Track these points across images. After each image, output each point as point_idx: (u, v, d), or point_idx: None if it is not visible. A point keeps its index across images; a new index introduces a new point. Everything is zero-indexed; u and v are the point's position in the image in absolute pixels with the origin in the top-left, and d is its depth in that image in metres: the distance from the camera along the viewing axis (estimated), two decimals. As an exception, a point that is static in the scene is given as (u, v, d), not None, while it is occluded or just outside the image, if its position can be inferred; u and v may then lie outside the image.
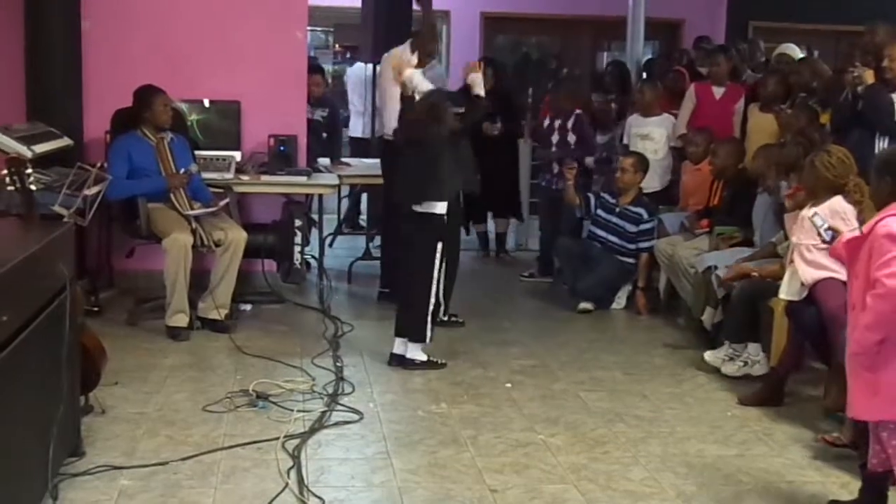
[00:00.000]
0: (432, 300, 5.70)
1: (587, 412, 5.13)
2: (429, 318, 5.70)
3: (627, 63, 9.93)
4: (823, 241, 4.48)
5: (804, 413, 5.08)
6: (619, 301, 7.43)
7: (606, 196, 7.49)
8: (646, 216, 7.33)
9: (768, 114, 7.29)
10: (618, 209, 7.39)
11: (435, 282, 5.70)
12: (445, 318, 6.41)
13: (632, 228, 7.33)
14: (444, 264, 5.83)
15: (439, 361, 5.74)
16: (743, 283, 5.80)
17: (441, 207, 5.68)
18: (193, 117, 7.17)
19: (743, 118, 7.75)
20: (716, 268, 6.18)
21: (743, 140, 7.41)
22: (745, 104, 7.80)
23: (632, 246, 7.33)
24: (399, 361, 5.74)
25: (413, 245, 5.80)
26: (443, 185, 5.72)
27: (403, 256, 6.03)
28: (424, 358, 5.71)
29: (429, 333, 5.71)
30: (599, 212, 7.47)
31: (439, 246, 5.69)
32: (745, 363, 5.72)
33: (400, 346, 5.77)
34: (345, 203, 9.52)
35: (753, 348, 5.72)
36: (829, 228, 4.34)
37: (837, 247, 4.09)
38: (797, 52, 8.82)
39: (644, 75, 9.83)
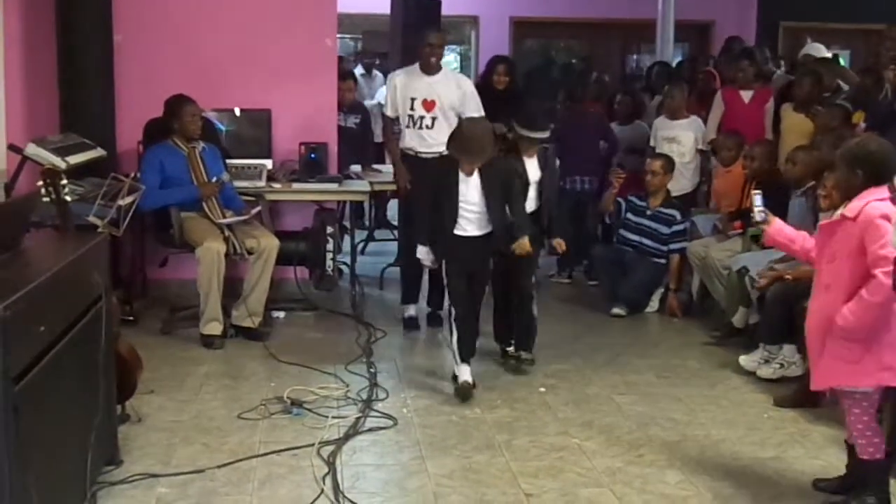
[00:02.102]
0: (449, 321, 5.56)
1: (622, 416, 5.12)
2: (452, 338, 5.46)
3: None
4: (753, 222, 4.46)
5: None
6: (652, 304, 7.40)
7: (635, 199, 7.47)
8: (679, 217, 7.32)
9: (802, 114, 7.24)
10: (649, 212, 7.37)
11: (446, 301, 5.65)
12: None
13: (665, 230, 7.31)
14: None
15: (461, 384, 5.38)
16: (777, 285, 5.77)
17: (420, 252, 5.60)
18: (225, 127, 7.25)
19: (775, 119, 7.71)
20: (747, 270, 6.15)
21: (776, 141, 7.37)
22: (776, 105, 7.75)
23: (665, 248, 7.32)
24: None
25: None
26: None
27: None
28: (463, 378, 5.40)
29: (456, 353, 5.43)
30: (629, 215, 7.45)
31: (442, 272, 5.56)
32: (781, 365, 5.69)
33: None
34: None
35: (789, 350, 5.69)
36: (763, 211, 4.35)
37: (772, 234, 4.28)
38: (822, 52, 8.77)
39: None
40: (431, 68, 6.66)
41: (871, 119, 6.33)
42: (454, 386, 5.42)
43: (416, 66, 6.72)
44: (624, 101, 9.05)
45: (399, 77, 6.79)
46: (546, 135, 5.98)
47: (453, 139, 5.49)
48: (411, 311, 6.82)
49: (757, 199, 4.38)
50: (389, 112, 6.79)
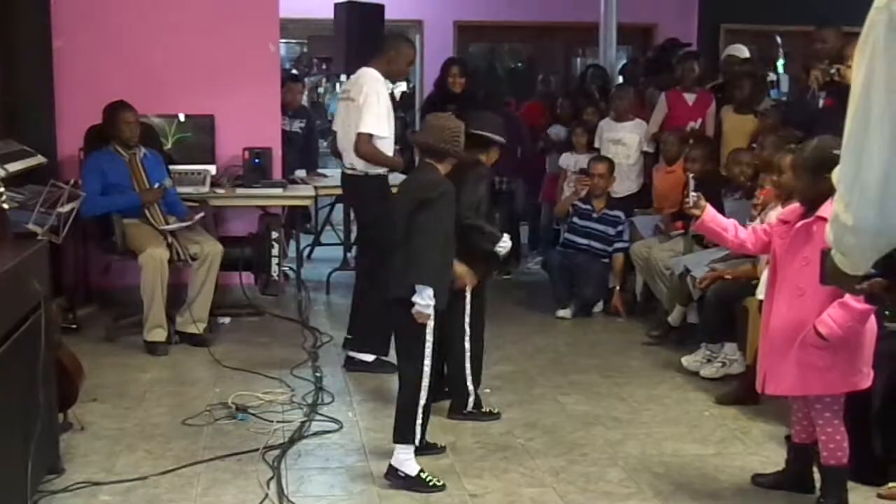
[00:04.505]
0: (423, 390, 4.28)
1: (565, 415, 5.16)
2: (419, 414, 4.28)
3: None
4: (686, 207, 4.46)
5: (780, 410, 5.06)
6: (597, 304, 7.47)
7: (579, 203, 7.54)
8: (623, 217, 7.43)
9: (745, 115, 7.33)
10: (595, 214, 7.44)
11: (427, 366, 4.27)
12: (474, 410, 5.10)
13: (612, 232, 7.41)
14: (461, 339, 4.97)
15: (433, 482, 4.20)
16: (717, 285, 5.85)
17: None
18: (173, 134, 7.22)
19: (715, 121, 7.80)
20: (688, 270, 6.23)
21: (717, 142, 7.45)
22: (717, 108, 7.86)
23: (611, 248, 7.41)
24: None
25: (398, 324, 4.43)
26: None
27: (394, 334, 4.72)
28: (413, 471, 4.21)
29: (418, 433, 4.30)
30: (576, 219, 7.52)
31: (429, 325, 4.24)
32: (723, 363, 5.77)
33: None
34: (322, 214, 9.54)
35: (730, 348, 5.77)
36: (697, 196, 4.37)
37: (706, 221, 4.28)
38: (745, 52, 8.91)
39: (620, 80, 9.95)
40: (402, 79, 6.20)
41: (799, 117, 6.40)
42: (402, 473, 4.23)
43: (375, 72, 5.85)
44: (564, 104, 9.24)
45: (385, 86, 5.88)
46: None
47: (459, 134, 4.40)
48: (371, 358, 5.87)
49: (691, 183, 4.44)
50: (388, 132, 5.80)
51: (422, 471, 4.22)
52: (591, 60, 11.69)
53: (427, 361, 4.25)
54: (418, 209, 4.20)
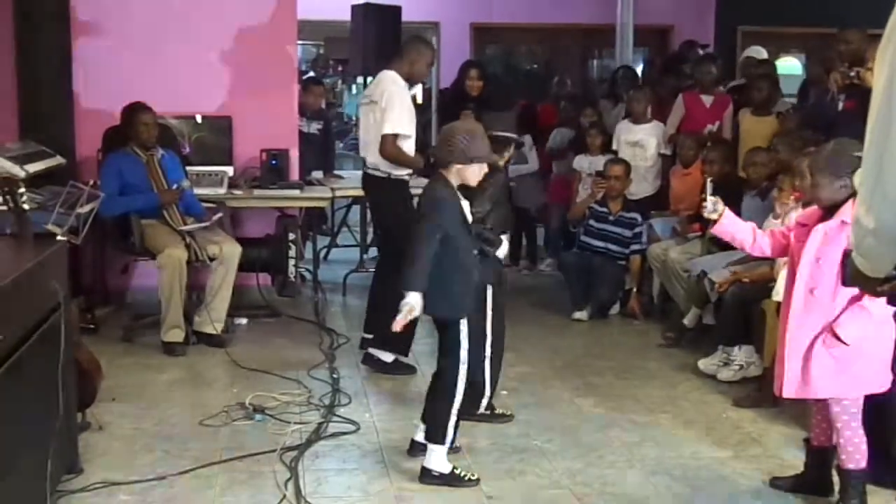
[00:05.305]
0: (459, 392, 4.33)
1: (582, 417, 5.16)
2: (453, 415, 4.33)
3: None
4: (704, 211, 4.42)
5: (798, 413, 5.06)
6: (613, 306, 7.46)
7: (595, 206, 7.53)
8: (639, 220, 7.41)
9: (763, 117, 7.31)
10: (611, 217, 7.44)
11: (464, 370, 4.31)
12: (487, 412, 5.08)
13: (628, 234, 7.41)
14: (481, 343, 4.88)
15: (467, 476, 4.30)
16: (734, 287, 5.83)
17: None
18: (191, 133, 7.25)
19: (733, 124, 7.78)
20: (705, 273, 6.21)
21: (734, 145, 7.43)
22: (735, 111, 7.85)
23: (627, 251, 7.40)
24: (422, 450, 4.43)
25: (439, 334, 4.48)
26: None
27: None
28: (447, 468, 4.30)
29: (450, 434, 4.35)
30: (592, 222, 7.51)
31: (462, 325, 4.31)
32: (741, 367, 5.75)
33: (423, 434, 4.46)
34: (338, 215, 9.55)
35: (747, 350, 5.75)
36: (715, 200, 4.34)
37: (725, 225, 4.26)
38: (762, 54, 8.89)
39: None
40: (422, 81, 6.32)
41: (819, 120, 6.38)
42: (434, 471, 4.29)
43: (395, 74, 5.88)
44: (567, 107, 9.26)
45: (407, 89, 5.94)
46: None
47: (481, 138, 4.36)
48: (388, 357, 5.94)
49: (709, 187, 4.42)
50: (411, 131, 5.84)
51: (455, 467, 4.29)
52: (607, 62, 11.69)
53: (463, 366, 4.29)
54: (420, 219, 4.30)
